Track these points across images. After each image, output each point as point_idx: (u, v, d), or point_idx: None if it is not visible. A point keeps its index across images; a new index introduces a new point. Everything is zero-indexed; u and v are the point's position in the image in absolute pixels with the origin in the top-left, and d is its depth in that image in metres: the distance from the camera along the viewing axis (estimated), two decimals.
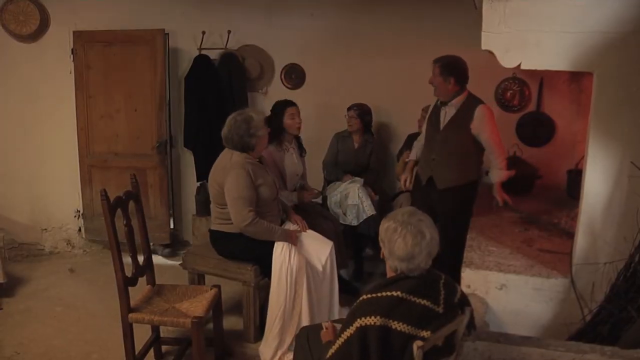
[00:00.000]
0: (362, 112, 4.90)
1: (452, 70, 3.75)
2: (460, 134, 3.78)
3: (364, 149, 4.99)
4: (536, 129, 4.83)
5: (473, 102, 3.79)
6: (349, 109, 4.92)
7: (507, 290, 2.95)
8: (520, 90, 4.87)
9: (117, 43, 5.01)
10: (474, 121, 3.73)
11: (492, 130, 3.75)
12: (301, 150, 4.52)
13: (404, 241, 2.07)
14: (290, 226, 3.81)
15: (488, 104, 4.83)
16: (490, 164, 3.85)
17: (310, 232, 3.85)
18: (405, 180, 4.19)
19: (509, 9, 2.72)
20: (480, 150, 3.84)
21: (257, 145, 3.65)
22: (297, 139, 4.48)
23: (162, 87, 5.08)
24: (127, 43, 5.00)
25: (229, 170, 3.55)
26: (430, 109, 4.04)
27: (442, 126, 3.88)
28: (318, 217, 4.20)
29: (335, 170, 4.98)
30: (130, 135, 5.15)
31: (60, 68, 5.04)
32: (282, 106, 4.34)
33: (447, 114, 3.85)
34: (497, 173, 3.79)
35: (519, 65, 2.78)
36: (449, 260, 3.71)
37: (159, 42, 4.97)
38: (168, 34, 5.30)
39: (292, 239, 3.63)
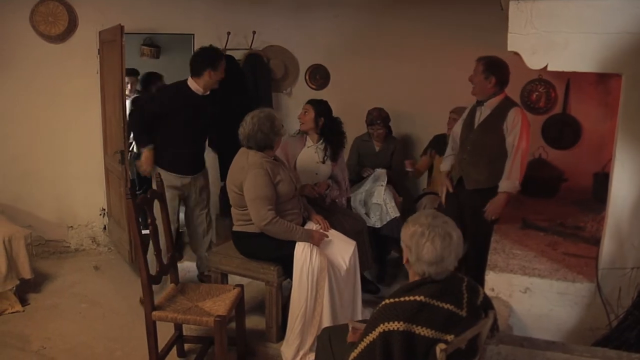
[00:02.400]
0: (385, 121, 4.88)
1: (495, 69, 3.72)
2: (492, 135, 3.74)
3: (386, 151, 4.98)
4: (562, 131, 4.78)
5: (509, 104, 3.76)
6: (371, 124, 4.89)
7: (531, 293, 2.92)
8: (547, 92, 4.83)
9: (111, 42, 4.81)
10: (506, 121, 3.68)
11: (522, 135, 3.64)
12: (335, 155, 4.39)
13: (432, 245, 2.05)
14: (312, 226, 3.81)
15: None
16: (504, 171, 3.69)
17: (333, 231, 3.84)
18: (447, 189, 4.07)
19: (536, 10, 2.70)
20: None
21: (276, 144, 3.69)
22: (331, 144, 4.37)
23: (121, 90, 4.50)
24: (112, 42, 4.77)
25: (248, 171, 3.56)
26: (467, 110, 4.00)
27: (475, 126, 3.86)
28: (342, 216, 4.18)
29: (357, 168, 4.99)
30: (114, 140, 4.89)
31: (88, 68, 5.10)
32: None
33: (482, 114, 3.83)
34: (506, 183, 3.66)
35: (546, 66, 2.76)
36: (473, 263, 3.70)
37: (117, 41, 4.49)
38: (193, 34, 5.35)
39: (315, 240, 3.62)
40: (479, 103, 3.85)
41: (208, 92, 4.29)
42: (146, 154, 4.20)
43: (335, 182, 4.43)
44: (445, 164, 4.18)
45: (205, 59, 4.15)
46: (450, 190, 4.06)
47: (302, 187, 4.22)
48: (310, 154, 4.36)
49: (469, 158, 3.87)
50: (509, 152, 3.68)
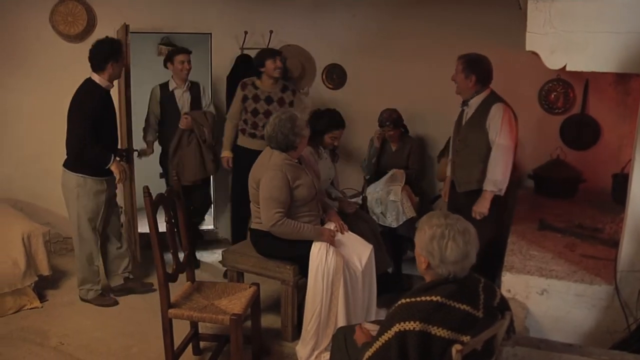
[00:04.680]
0: (395, 123, 4.84)
1: (475, 67, 3.68)
2: (477, 133, 3.68)
3: (402, 151, 4.96)
4: (581, 132, 4.73)
5: (492, 100, 3.68)
6: (381, 125, 4.86)
7: (548, 295, 2.89)
8: (565, 92, 4.77)
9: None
10: (488, 118, 3.62)
11: (502, 130, 3.56)
12: (334, 157, 4.59)
13: (455, 243, 2.04)
14: (331, 226, 3.81)
15: (531, 105, 4.78)
16: (488, 170, 3.63)
17: (350, 233, 3.84)
18: (446, 195, 4.15)
19: (555, 9, 2.67)
20: None
21: (300, 145, 3.67)
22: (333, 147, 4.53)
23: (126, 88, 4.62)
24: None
25: (266, 170, 3.59)
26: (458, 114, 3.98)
27: (462, 125, 3.83)
28: (356, 220, 4.18)
29: (372, 167, 5.01)
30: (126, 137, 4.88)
31: None
32: (327, 124, 4.34)
33: (467, 114, 3.79)
34: (487, 182, 3.60)
35: (564, 66, 2.73)
36: (481, 267, 3.67)
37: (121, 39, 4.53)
38: (211, 33, 5.38)
39: (324, 237, 3.62)
40: (464, 103, 3.81)
41: (113, 86, 4.19)
42: (115, 165, 4.08)
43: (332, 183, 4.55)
44: (449, 168, 4.16)
45: (105, 51, 4.01)
46: (445, 198, 4.12)
47: (341, 204, 4.26)
48: (324, 164, 4.40)
49: (459, 160, 3.85)
50: (493, 150, 3.60)
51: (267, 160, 3.64)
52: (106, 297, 4.33)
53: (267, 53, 4.69)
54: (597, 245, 3.36)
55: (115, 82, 4.34)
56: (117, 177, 4.11)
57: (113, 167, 4.06)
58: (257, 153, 4.56)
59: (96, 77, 4.06)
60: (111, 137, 4.20)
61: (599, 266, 3.01)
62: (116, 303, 4.30)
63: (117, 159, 4.16)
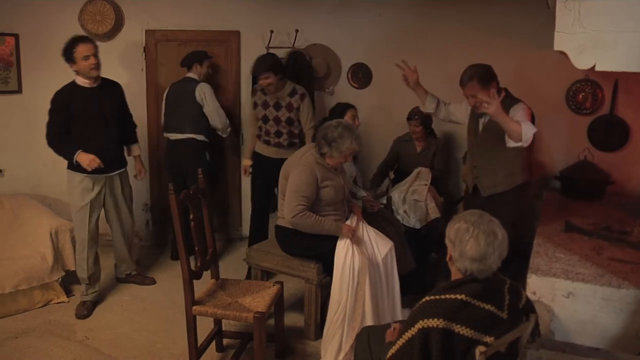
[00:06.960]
0: (423, 120, 4.81)
1: (489, 75, 3.57)
2: (498, 135, 3.57)
3: (427, 152, 4.93)
4: (609, 133, 4.65)
5: (510, 102, 3.57)
6: (409, 118, 4.86)
7: (574, 298, 2.85)
8: (593, 92, 4.69)
9: (191, 42, 5.17)
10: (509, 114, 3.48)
11: (522, 114, 3.45)
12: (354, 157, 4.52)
13: (476, 241, 2.05)
14: (352, 221, 3.80)
15: (559, 106, 4.73)
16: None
17: (371, 230, 3.82)
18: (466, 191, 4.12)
19: (584, 8, 2.63)
20: (524, 151, 3.59)
21: (329, 157, 3.69)
22: None
23: (237, 88, 5.27)
24: (201, 42, 5.10)
25: (296, 166, 3.64)
26: (468, 114, 3.89)
27: (479, 131, 3.77)
28: (380, 220, 4.16)
29: (379, 177, 5.08)
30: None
31: (133, 65, 5.23)
32: (342, 108, 4.44)
33: (485, 119, 3.72)
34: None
35: (593, 66, 2.69)
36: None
37: (234, 44, 5.03)
38: (239, 31, 5.41)
39: (345, 231, 3.62)
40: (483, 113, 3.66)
41: (98, 82, 4.16)
42: (82, 155, 4.04)
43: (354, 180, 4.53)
44: (469, 174, 4.06)
45: (62, 51, 4.08)
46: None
47: (365, 204, 4.22)
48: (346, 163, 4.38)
49: (480, 164, 3.80)
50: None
51: (299, 157, 3.69)
52: (81, 307, 4.20)
53: (257, 69, 4.53)
54: (625, 248, 3.30)
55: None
56: (85, 166, 4.03)
57: (80, 158, 4.03)
58: (271, 160, 4.57)
59: (76, 78, 4.15)
60: (84, 132, 4.11)
61: (626, 270, 2.96)
62: (86, 317, 4.12)
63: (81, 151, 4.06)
